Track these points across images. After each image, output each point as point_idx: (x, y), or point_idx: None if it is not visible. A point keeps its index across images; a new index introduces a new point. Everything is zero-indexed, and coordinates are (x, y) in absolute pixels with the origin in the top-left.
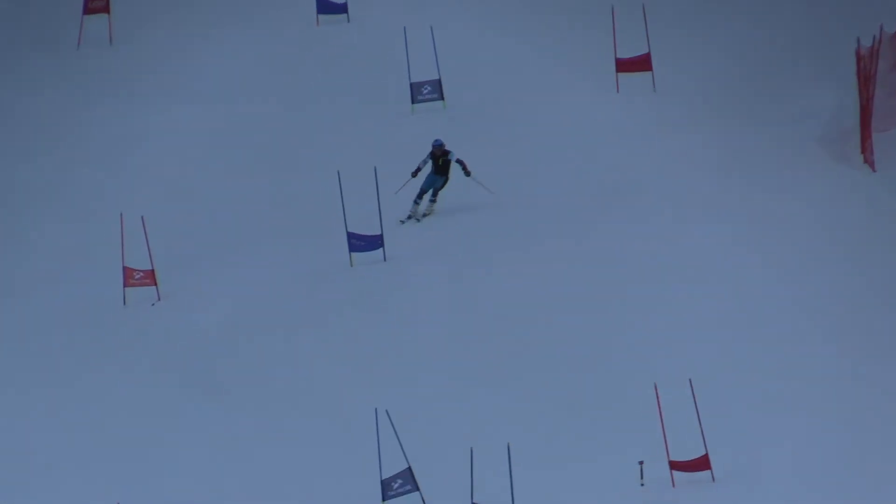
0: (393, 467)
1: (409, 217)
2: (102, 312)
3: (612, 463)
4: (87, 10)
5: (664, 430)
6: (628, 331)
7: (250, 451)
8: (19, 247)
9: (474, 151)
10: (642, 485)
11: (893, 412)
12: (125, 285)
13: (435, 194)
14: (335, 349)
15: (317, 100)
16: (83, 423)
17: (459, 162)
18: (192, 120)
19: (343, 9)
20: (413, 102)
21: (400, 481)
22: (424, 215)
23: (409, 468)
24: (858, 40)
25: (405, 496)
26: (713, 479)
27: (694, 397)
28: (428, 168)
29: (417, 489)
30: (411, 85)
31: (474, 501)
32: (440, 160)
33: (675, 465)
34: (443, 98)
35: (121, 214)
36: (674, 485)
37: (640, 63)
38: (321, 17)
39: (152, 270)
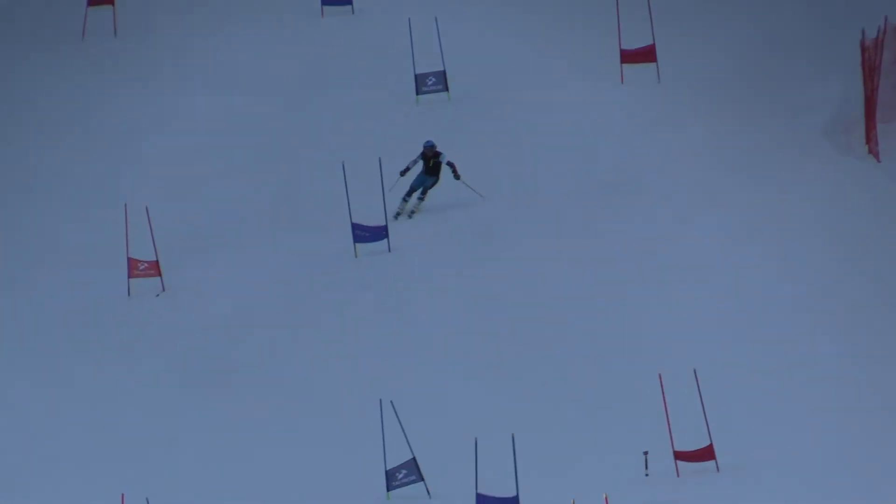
0: (397, 458)
1: (398, 214)
2: (107, 303)
3: (616, 453)
4: (92, 2)
5: (668, 420)
6: (633, 322)
7: (254, 443)
8: (24, 237)
9: (479, 142)
10: (647, 475)
11: (895, 406)
12: (129, 276)
13: (424, 192)
14: (340, 340)
15: (321, 92)
16: (86, 415)
17: (450, 165)
18: (197, 111)
19: (348, 0)
20: (417, 94)
21: (404, 472)
22: (412, 213)
23: (414, 459)
24: (863, 31)
25: (409, 486)
26: (717, 469)
27: (698, 388)
28: (418, 168)
29: (422, 480)
30: (416, 76)
31: (478, 492)
32: (431, 161)
33: (679, 456)
34: (447, 89)
35: (125, 205)
36: (678, 475)
37: (645, 54)
38: (326, 8)
39: (156, 261)
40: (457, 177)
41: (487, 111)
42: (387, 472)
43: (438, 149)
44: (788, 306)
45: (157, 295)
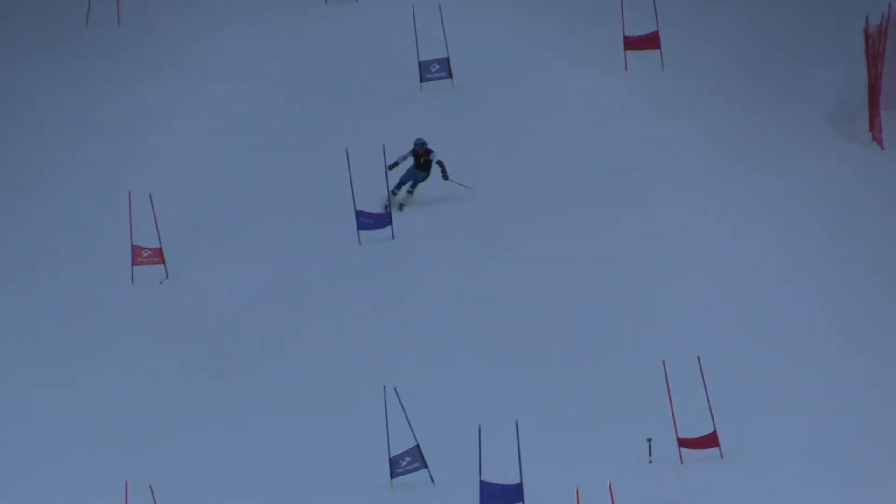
0: (401, 445)
1: (387, 207)
2: (110, 290)
3: (620, 440)
4: None
5: (672, 407)
6: (637, 307)
7: (257, 429)
8: (27, 224)
9: (482, 129)
10: (650, 462)
11: None
12: (133, 263)
13: (414, 185)
14: (343, 327)
15: (325, 78)
16: (90, 400)
17: (440, 164)
18: (201, 98)
19: None
20: (421, 81)
21: (408, 459)
22: (402, 205)
23: (418, 446)
24: (867, 18)
25: (413, 474)
26: (721, 456)
27: (702, 375)
28: (409, 163)
29: (425, 467)
30: (420, 63)
31: (482, 479)
32: (422, 158)
33: (683, 443)
34: (451, 76)
35: (129, 192)
36: (682, 462)
37: (649, 41)
38: None
39: (160, 248)
40: (445, 177)
41: (491, 98)
42: (390, 460)
43: (429, 146)
44: (792, 294)
45: (161, 282)
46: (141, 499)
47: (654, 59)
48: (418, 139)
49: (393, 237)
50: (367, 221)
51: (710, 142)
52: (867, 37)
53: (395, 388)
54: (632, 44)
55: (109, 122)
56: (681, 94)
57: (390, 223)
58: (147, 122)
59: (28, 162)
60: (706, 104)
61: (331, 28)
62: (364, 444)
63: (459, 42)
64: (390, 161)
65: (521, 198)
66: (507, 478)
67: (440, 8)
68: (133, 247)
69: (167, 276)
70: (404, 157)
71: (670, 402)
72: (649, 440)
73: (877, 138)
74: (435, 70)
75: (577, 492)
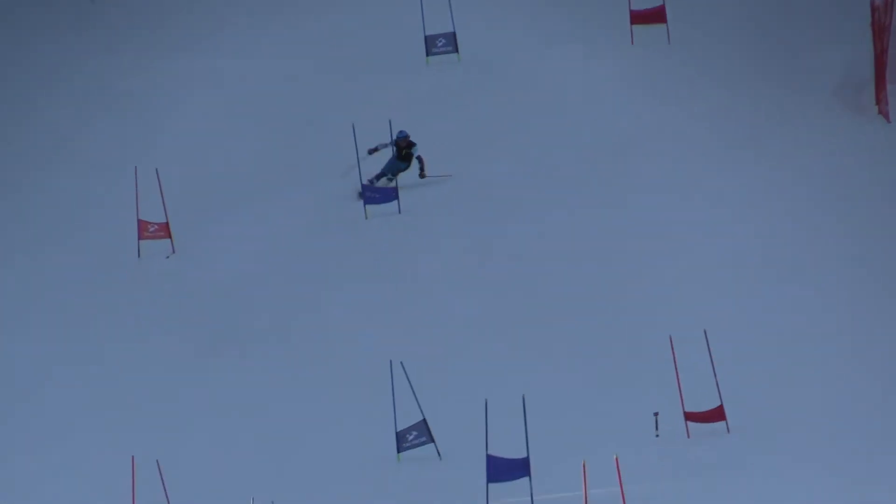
0: (408, 419)
1: (360, 194)
2: (117, 265)
3: (627, 414)
4: None
5: (679, 381)
6: (644, 282)
7: (264, 405)
8: (34, 199)
9: (488, 103)
10: (657, 436)
11: None
12: (140, 238)
13: (396, 173)
14: (349, 302)
15: (331, 52)
16: (97, 376)
17: (419, 159)
18: (208, 73)
19: None
20: (427, 55)
21: (415, 433)
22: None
23: (424, 420)
24: None
25: (420, 448)
26: (728, 430)
27: (709, 348)
28: (390, 153)
29: (432, 441)
30: (426, 38)
31: (489, 453)
32: (403, 151)
33: (689, 417)
34: (457, 51)
35: (135, 167)
36: (689, 436)
37: (655, 15)
38: None
39: (167, 223)
40: (422, 175)
41: (497, 72)
42: (397, 434)
43: (412, 139)
44: (798, 267)
45: (167, 257)
46: (147, 474)
47: (661, 32)
48: (401, 132)
49: (399, 211)
50: (373, 196)
51: (716, 115)
52: (873, 10)
53: (401, 363)
54: (638, 18)
55: (116, 97)
56: (687, 67)
57: (397, 198)
58: (154, 98)
59: (35, 138)
60: (712, 78)
61: (337, 1)
62: (370, 418)
63: (466, 16)
64: (371, 146)
65: (527, 172)
66: (514, 452)
67: None
68: (139, 221)
69: (173, 251)
70: (385, 146)
71: (677, 376)
72: (656, 414)
73: (883, 112)
74: (441, 44)
75: (584, 466)
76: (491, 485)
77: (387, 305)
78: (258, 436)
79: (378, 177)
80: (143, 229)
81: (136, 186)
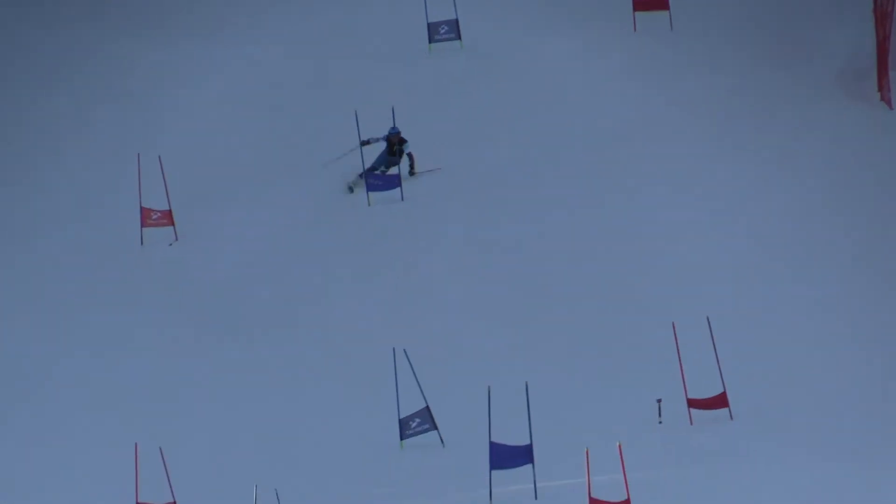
0: (410, 407)
1: (352, 188)
2: (120, 252)
3: (630, 401)
4: None
5: (682, 368)
6: (646, 270)
7: (267, 392)
8: (37, 186)
9: (490, 90)
10: (660, 422)
11: None
12: (143, 225)
13: (387, 167)
14: (352, 288)
15: (334, 39)
16: (99, 363)
17: (410, 156)
18: (211, 60)
19: None
20: (430, 42)
21: (418, 420)
22: (351, 188)
23: (427, 407)
24: None
25: (423, 435)
26: (731, 417)
27: (712, 335)
28: (381, 148)
29: (435, 428)
30: (428, 25)
31: (492, 440)
32: (395, 147)
33: (692, 403)
34: (460, 38)
35: (138, 155)
36: (692, 422)
37: (658, 2)
38: None
39: (169, 211)
40: (412, 173)
41: (499, 59)
42: (400, 421)
43: (403, 135)
44: (800, 253)
45: (170, 244)
46: (150, 461)
47: (664, 20)
48: (393, 128)
49: (402, 199)
50: (376, 183)
51: (718, 102)
52: None
53: (404, 350)
54: (641, 4)
55: (120, 84)
56: (689, 55)
57: (399, 185)
58: (157, 85)
59: (38, 124)
60: (714, 65)
61: None
62: (374, 405)
63: (468, 3)
64: (364, 137)
65: (529, 160)
66: (517, 439)
67: None
68: (142, 209)
69: (176, 239)
70: (377, 140)
71: (680, 363)
72: (659, 401)
73: (885, 99)
74: (444, 31)
75: (587, 453)
76: (494, 472)
77: (388, 292)
78: (261, 423)
79: (369, 171)
80: (146, 217)
81: (139, 174)
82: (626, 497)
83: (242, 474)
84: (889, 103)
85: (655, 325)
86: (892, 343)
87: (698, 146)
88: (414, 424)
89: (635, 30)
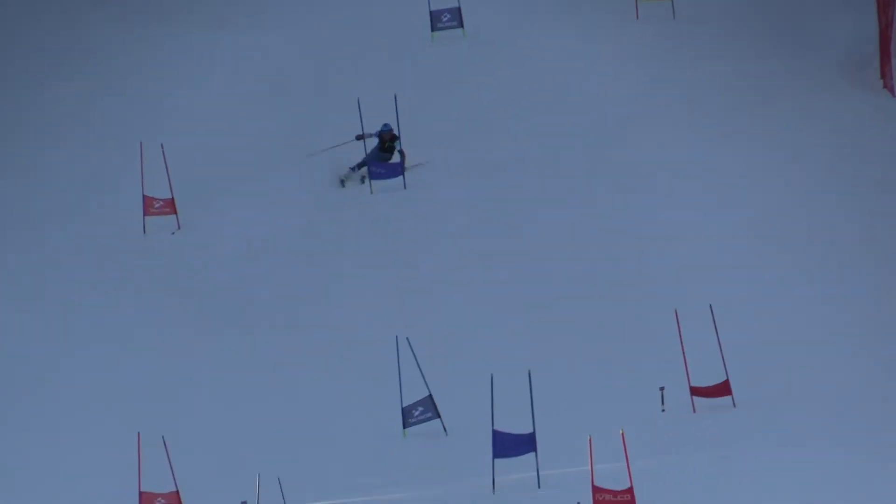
0: (413, 395)
1: (343, 182)
2: (122, 241)
3: (632, 389)
4: None
5: (685, 356)
6: (650, 257)
7: (270, 380)
8: (40, 175)
9: (493, 78)
10: (663, 410)
11: None
12: (145, 214)
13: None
14: (355, 276)
15: (336, 28)
16: (101, 351)
17: (401, 153)
18: (213, 49)
19: None
20: (433, 30)
21: (420, 409)
22: (364, 178)
23: (430, 396)
24: None
25: (426, 424)
26: (734, 405)
27: (714, 323)
28: (374, 144)
29: (438, 417)
30: (431, 13)
31: (495, 429)
32: (386, 143)
33: (695, 391)
34: (462, 26)
35: (140, 143)
36: (695, 410)
37: None
38: None
39: (172, 199)
40: (402, 170)
41: (502, 47)
42: (403, 410)
43: (395, 132)
44: (803, 241)
45: (173, 233)
46: (153, 450)
47: (666, 8)
48: (385, 125)
49: (405, 187)
50: (378, 171)
51: (721, 90)
52: None
53: (406, 338)
54: None
55: (122, 73)
56: (692, 43)
57: (402, 173)
58: (160, 74)
59: (41, 114)
60: (716, 53)
61: None
62: (376, 394)
63: None
64: (359, 132)
65: (531, 148)
66: (520, 427)
67: None
68: (145, 197)
69: (179, 227)
70: (370, 135)
71: (682, 350)
72: (662, 389)
73: (888, 86)
74: (446, 19)
75: (590, 441)
76: (497, 460)
77: (391, 280)
78: (263, 411)
79: (359, 165)
80: (149, 205)
81: (142, 162)
82: (629, 485)
83: (245, 462)
84: (892, 91)
85: (658, 313)
86: (894, 334)
87: (701, 134)
88: (417, 413)
89: (637, 17)
